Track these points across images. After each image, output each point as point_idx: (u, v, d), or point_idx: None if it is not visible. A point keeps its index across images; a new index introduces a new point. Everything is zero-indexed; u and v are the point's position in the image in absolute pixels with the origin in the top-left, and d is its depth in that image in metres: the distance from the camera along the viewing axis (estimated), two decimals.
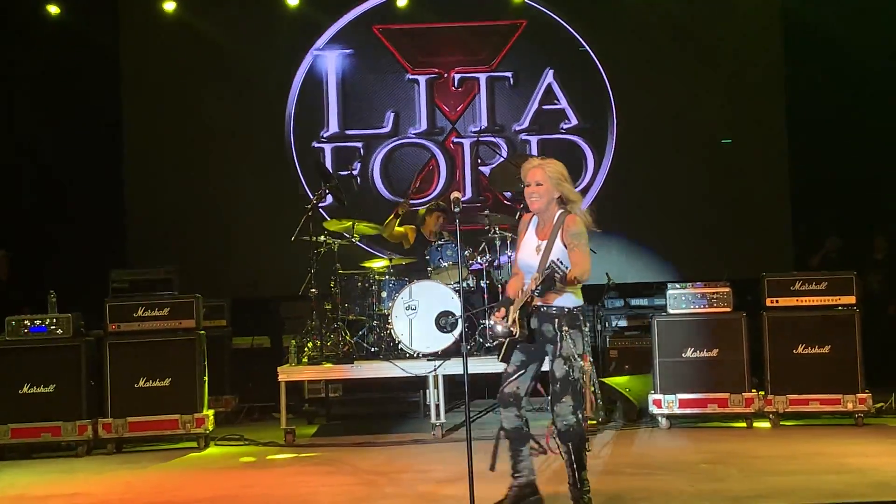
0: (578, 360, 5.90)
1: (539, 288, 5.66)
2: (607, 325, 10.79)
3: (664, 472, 7.22)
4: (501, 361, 6.07)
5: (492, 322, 6.14)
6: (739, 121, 11.98)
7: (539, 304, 5.88)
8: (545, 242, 5.93)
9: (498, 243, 9.62)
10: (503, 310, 6.02)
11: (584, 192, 11.94)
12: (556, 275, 5.56)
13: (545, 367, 5.99)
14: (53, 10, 11.60)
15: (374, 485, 7.18)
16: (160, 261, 10.82)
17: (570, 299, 5.95)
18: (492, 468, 6.04)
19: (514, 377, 5.99)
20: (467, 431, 5.73)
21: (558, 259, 5.63)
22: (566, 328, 5.87)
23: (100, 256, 10.94)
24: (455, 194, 6.03)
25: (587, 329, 6.12)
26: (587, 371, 6.06)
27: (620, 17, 12.06)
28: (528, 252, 6.00)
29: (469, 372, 6.00)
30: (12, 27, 11.56)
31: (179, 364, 8.95)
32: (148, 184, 11.87)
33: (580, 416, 5.90)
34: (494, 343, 6.25)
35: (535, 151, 11.85)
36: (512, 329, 5.93)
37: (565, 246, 5.85)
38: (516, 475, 6.08)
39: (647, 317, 9.68)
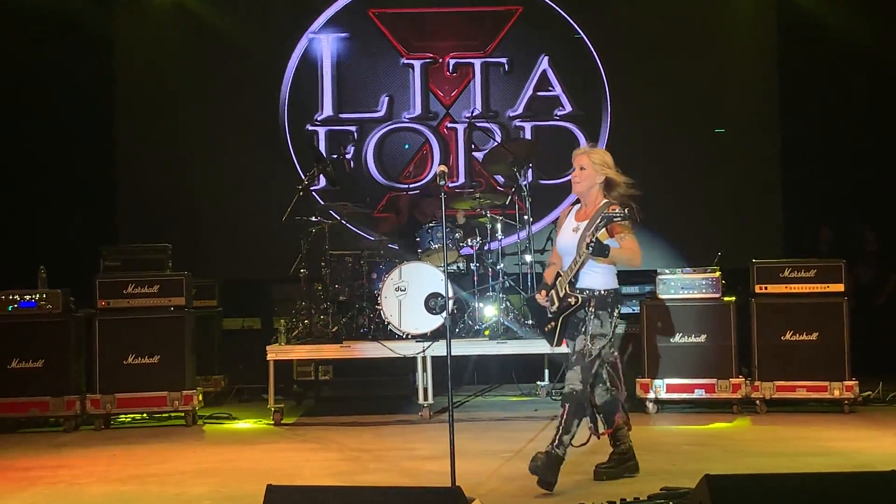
0: (602, 339, 6.21)
1: (594, 242, 5.95)
2: None
3: (647, 452, 7.20)
4: (556, 346, 6.46)
5: (542, 303, 6.37)
6: (733, 110, 11.97)
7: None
8: (584, 223, 6.19)
9: (488, 227, 9.65)
10: (544, 291, 6.35)
11: None
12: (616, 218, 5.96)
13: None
14: None
15: (359, 461, 7.21)
16: (152, 240, 10.80)
17: (600, 281, 6.25)
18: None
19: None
20: (450, 410, 5.75)
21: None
22: (594, 308, 6.19)
23: (92, 234, 10.92)
24: (441, 168, 6.04)
25: (617, 314, 6.34)
26: (615, 354, 6.45)
27: (616, 5, 12.06)
28: (567, 234, 6.32)
29: (458, 354, 6.03)
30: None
31: (168, 341, 8.99)
32: (140, 163, 11.87)
33: (587, 386, 6.20)
34: (547, 328, 6.42)
35: (528, 137, 11.85)
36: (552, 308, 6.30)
37: (610, 235, 6.16)
38: (618, 444, 6.50)
39: (637, 303, 9.70)
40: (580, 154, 6.40)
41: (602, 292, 6.23)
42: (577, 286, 6.23)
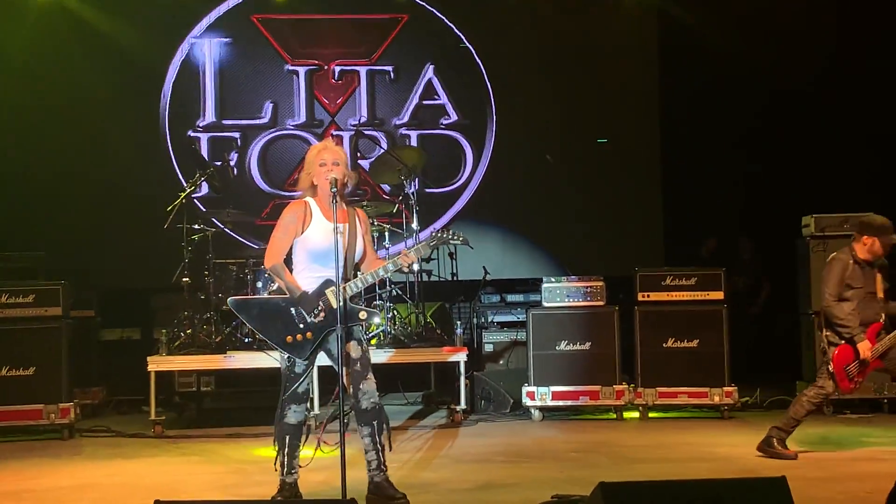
0: (366, 341, 6.00)
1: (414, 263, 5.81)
2: (483, 320, 10.84)
3: (535, 460, 7.29)
4: (304, 359, 5.84)
5: (315, 318, 5.80)
6: (615, 120, 12.18)
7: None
8: (345, 225, 5.86)
9: (375, 235, 9.59)
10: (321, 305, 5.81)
11: (463, 187, 12.03)
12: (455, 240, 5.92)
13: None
14: None
15: (244, 473, 7.07)
16: (26, 248, 10.45)
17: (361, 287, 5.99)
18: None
19: (307, 374, 5.89)
20: (340, 420, 5.66)
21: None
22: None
23: None
24: (332, 172, 5.88)
25: None
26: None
27: (501, 15, 12.14)
28: (325, 236, 5.82)
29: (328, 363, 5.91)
30: None
31: (44, 353, 8.72)
32: (14, 168, 11.46)
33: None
34: (292, 339, 5.80)
35: (414, 145, 11.84)
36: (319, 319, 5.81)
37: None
38: (292, 472, 5.96)
39: (523, 312, 9.77)
40: (325, 149, 5.94)
41: (361, 294, 6.05)
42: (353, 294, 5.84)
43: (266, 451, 6.91)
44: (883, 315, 7.25)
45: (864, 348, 7.10)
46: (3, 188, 11.44)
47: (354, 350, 5.85)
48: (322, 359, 6.03)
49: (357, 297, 5.89)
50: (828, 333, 7.25)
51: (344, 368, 5.81)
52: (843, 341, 7.17)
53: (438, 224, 11.71)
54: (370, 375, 5.86)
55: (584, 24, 12.16)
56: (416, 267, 9.67)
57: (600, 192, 12.08)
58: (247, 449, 8.00)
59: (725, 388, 9.03)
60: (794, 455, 7.15)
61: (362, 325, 5.95)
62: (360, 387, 5.84)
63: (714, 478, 4.91)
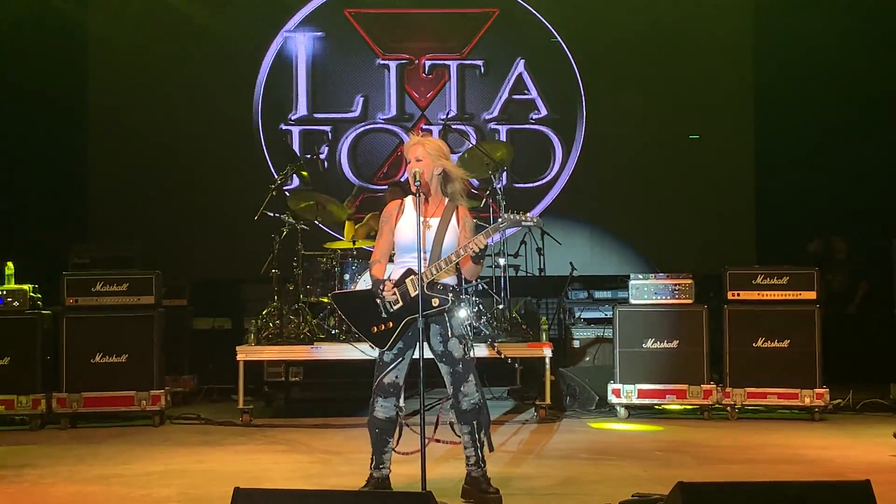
0: (468, 339, 5.93)
1: (482, 251, 5.70)
2: (570, 316, 10.78)
3: (619, 458, 7.22)
4: (387, 349, 5.87)
5: (388, 303, 5.79)
6: (708, 116, 12.02)
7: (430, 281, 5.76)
8: (436, 219, 5.87)
9: None
10: (390, 285, 5.81)
11: (552, 183, 11.98)
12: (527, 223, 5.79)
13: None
14: None
15: (329, 463, 7.14)
16: (123, 239, 10.71)
17: (454, 279, 5.95)
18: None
19: (394, 365, 5.89)
20: (421, 414, 5.68)
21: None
22: (453, 307, 5.84)
23: (61, 232, 10.81)
24: (414, 169, 5.90)
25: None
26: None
27: (593, 9, 12.06)
28: (409, 230, 5.83)
29: (429, 357, 5.90)
30: None
31: (137, 340, 8.88)
32: (112, 160, 11.78)
33: (483, 393, 5.95)
34: (377, 329, 5.85)
35: (504, 140, 11.82)
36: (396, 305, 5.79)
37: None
38: (381, 467, 5.97)
39: (610, 308, 9.69)
40: (414, 144, 5.93)
41: (458, 289, 5.94)
42: (439, 284, 5.79)
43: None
44: None
45: None
46: (102, 181, 11.77)
47: (456, 349, 5.86)
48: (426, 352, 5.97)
49: (444, 289, 5.84)
50: None
51: (445, 367, 5.88)
52: None
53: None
54: (471, 377, 5.86)
55: (676, 18, 11.99)
56: (501, 261, 9.66)
57: (691, 188, 11.92)
58: (333, 439, 8.07)
59: (817, 390, 8.84)
60: None
61: (463, 322, 5.91)
62: (462, 389, 5.86)
63: (796, 480, 4.80)
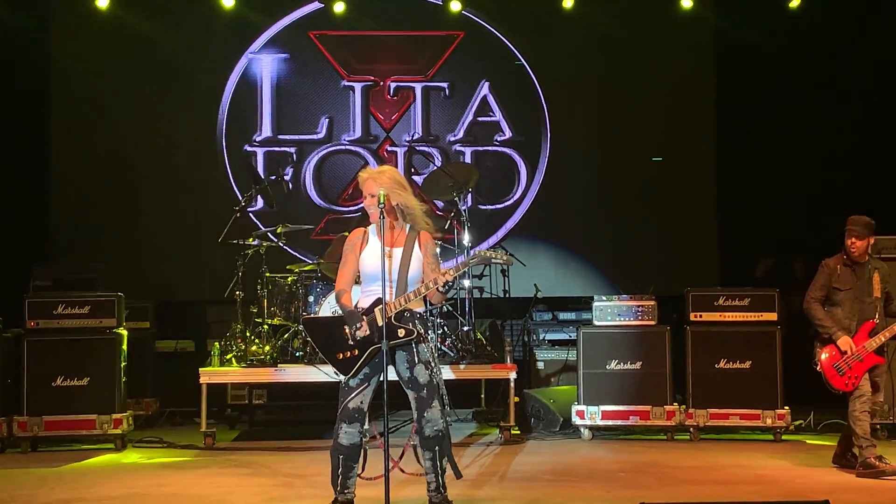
0: (435, 365, 5.97)
1: (449, 284, 5.78)
2: (534, 338, 10.81)
3: (582, 479, 7.24)
4: (350, 377, 5.91)
5: (357, 332, 5.84)
6: (670, 139, 12.09)
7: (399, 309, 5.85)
8: (399, 249, 5.95)
9: None
10: (364, 319, 5.84)
11: (517, 204, 12.01)
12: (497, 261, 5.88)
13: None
14: None
15: (291, 486, 7.12)
16: (84, 259, 10.62)
17: (419, 306, 6.04)
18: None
19: (359, 390, 5.92)
20: (385, 436, 5.69)
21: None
22: (420, 334, 5.92)
23: (21, 254, 10.70)
24: (382, 191, 5.91)
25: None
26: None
27: (557, 33, 12.11)
28: (374, 259, 5.90)
29: (392, 378, 5.90)
30: None
31: (98, 363, 8.83)
32: (74, 181, 11.66)
33: (447, 419, 5.99)
34: (343, 356, 5.91)
35: (468, 162, 11.85)
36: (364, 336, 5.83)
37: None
38: (345, 491, 5.98)
39: (575, 330, 9.72)
40: (367, 179, 5.98)
41: (424, 315, 6.05)
42: (407, 312, 5.90)
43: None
44: (877, 314, 7.47)
45: (843, 342, 7.38)
46: (62, 200, 11.65)
47: (422, 375, 5.90)
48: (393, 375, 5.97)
49: (410, 317, 5.90)
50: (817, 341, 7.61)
51: (411, 392, 5.92)
52: (827, 343, 7.48)
53: (492, 240, 11.71)
54: (435, 403, 5.90)
55: (639, 42, 12.06)
56: (466, 283, 9.68)
57: (654, 210, 11.99)
58: (296, 462, 8.04)
59: (778, 411, 8.92)
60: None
61: (429, 348, 5.96)
62: (425, 414, 5.89)
63: (758, 501, 4.83)
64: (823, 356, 7.50)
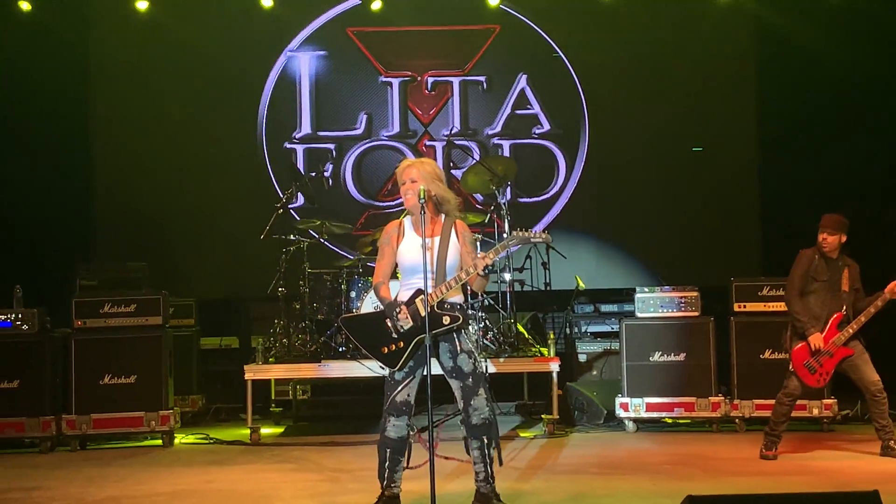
0: (477, 354, 6.00)
1: (489, 267, 5.78)
2: (577, 330, 10.79)
3: (628, 472, 7.23)
4: (398, 369, 5.93)
5: (400, 324, 5.87)
6: (711, 129, 12.00)
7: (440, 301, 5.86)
8: (436, 238, 5.96)
9: None
10: (405, 308, 5.87)
11: (556, 197, 11.97)
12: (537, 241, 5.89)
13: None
14: (25, 5, 11.42)
15: (338, 481, 7.16)
16: (129, 259, 10.72)
17: (460, 297, 6.05)
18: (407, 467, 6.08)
19: (405, 383, 5.95)
20: (430, 430, 5.70)
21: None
22: (462, 324, 5.92)
23: (66, 255, 10.83)
24: (421, 186, 5.94)
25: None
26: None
27: (594, 24, 12.06)
28: (414, 250, 5.93)
29: (437, 373, 5.92)
30: None
31: (145, 361, 8.92)
32: (117, 182, 11.79)
33: (494, 408, 6.00)
34: (387, 350, 5.93)
35: (507, 155, 11.85)
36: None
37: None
38: (392, 485, 6.01)
39: (617, 322, 9.69)
40: (408, 167, 6.03)
41: (464, 307, 6.05)
42: (447, 303, 5.91)
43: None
44: (845, 307, 7.63)
45: (815, 340, 7.56)
46: (108, 201, 11.78)
47: (466, 364, 5.92)
48: (436, 368, 6.00)
49: (451, 308, 5.91)
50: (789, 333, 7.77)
51: (456, 381, 5.93)
52: (801, 337, 7.64)
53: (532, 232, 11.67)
54: (481, 391, 5.91)
55: (678, 31, 11.99)
56: (507, 276, 9.69)
57: (696, 200, 11.91)
58: (342, 457, 8.08)
59: (825, 401, 8.84)
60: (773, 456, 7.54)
61: (470, 337, 5.99)
62: (471, 403, 5.91)
63: (804, 492, 4.81)
64: (796, 349, 7.69)
